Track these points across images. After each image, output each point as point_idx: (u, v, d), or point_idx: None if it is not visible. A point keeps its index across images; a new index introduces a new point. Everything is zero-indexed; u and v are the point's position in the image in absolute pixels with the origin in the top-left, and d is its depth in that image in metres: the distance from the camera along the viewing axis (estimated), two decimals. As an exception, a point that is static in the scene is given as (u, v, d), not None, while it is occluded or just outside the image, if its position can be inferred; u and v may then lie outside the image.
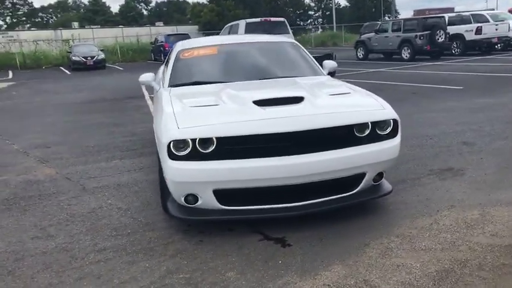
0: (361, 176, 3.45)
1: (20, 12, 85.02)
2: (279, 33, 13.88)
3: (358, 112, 3.46)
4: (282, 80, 4.45)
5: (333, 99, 3.73)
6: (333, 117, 3.35)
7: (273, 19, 14.22)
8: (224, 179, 3.19)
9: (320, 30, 54.98)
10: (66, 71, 23.51)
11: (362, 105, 3.62)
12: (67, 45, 29.00)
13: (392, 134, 3.51)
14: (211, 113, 3.44)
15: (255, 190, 3.29)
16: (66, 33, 35.90)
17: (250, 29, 13.57)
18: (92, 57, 23.36)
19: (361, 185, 3.48)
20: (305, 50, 5.13)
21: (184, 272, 2.88)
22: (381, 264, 2.85)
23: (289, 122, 3.21)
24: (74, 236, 3.51)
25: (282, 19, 14.24)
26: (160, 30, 36.40)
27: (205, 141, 3.17)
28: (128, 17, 75.82)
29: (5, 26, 78.90)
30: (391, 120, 3.48)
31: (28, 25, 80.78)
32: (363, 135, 3.40)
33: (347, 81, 4.58)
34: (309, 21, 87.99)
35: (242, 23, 13.74)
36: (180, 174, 3.19)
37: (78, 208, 4.08)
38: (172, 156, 3.18)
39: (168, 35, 26.14)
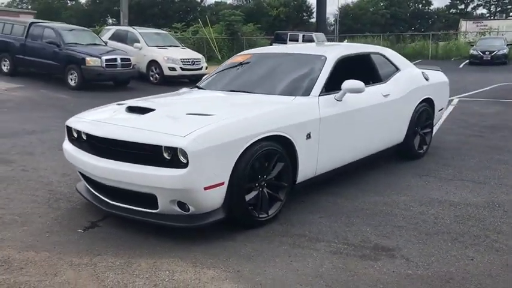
0: (154, 197, 3.38)
1: (506, 0, 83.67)
2: None
3: (156, 134, 3.34)
4: (243, 94, 4.37)
5: (176, 117, 3.62)
6: (132, 133, 3.45)
7: None
8: (72, 164, 3.99)
9: None
10: (463, 65, 23.11)
11: (172, 128, 3.39)
12: (478, 36, 27.72)
13: (185, 165, 3.20)
14: (105, 112, 4.16)
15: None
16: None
17: None
18: (491, 52, 21.82)
19: (160, 207, 3.40)
20: (324, 68, 4.42)
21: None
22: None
23: (104, 128, 3.62)
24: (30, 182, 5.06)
25: None
26: None
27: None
28: None
29: (487, 14, 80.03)
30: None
31: (513, 13, 78.76)
32: (168, 157, 3.31)
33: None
34: None
35: None
36: (64, 152, 4.21)
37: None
38: (69, 138, 4.20)
39: None
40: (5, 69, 14.09)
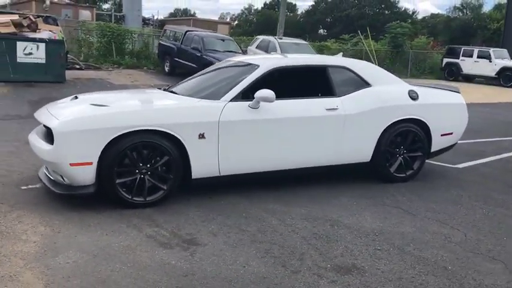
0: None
1: None
2: None
3: (51, 116, 4.18)
4: (169, 94, 4.94)
5: (79, 105, 4.37)
6: (44, 115, 4.38)
7: None
8: None
9: None
10: None
11: (61, 113, 4.16)
12: None
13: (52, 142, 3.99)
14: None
15: None
16: None
17: None
18: None
19: (52, 175, 4.25)
20: (249, 76, 4.62)
21: None
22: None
23: (40, 111, 4.64)
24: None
25: None
26: None
27: None
28: None
29: None
30: None
31: None
32: None
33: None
34: None
35: None
36: None
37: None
38: None
39: None
40: (166, 69, 16.70)
